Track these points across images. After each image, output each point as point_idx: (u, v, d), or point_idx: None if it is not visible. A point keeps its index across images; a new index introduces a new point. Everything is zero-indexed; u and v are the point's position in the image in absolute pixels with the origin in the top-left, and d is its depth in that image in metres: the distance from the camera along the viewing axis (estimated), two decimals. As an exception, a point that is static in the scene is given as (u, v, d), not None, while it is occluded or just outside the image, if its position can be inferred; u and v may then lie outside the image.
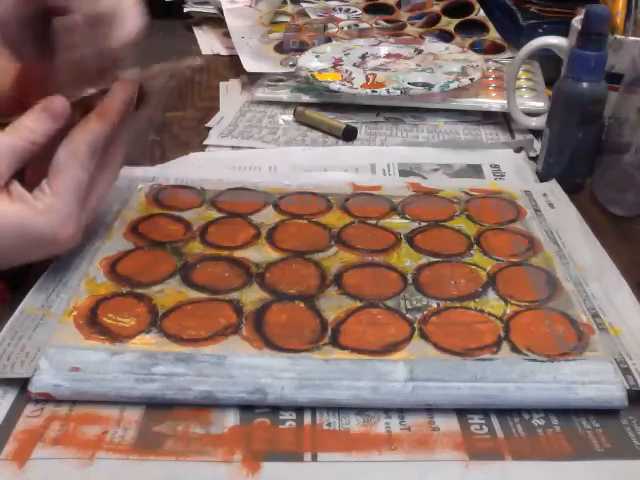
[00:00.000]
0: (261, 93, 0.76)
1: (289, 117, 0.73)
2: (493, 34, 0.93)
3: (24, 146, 0.39)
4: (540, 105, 0.72)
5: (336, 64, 0.78)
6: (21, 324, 0.40)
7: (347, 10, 1.03)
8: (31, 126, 0.39)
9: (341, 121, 0.70)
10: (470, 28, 0.95)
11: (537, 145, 0.65)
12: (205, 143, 0.67)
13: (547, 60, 0.73)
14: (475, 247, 0.49)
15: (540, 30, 0.84)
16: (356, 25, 0.98)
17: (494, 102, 0.73)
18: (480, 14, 0.95)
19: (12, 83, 0.44)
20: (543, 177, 0.60)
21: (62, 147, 0.40)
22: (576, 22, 0.64)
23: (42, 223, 0.39)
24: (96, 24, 0.40)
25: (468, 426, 0.36)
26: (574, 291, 0.45)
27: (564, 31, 0.66)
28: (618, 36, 0.61)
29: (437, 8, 0.97)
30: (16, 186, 0.39)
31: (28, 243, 0.40)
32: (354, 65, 0.79)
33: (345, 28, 0.96)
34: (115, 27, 0.40)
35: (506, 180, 0.61)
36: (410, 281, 0.46)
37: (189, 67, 0.46)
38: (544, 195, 0.57)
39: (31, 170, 0.42)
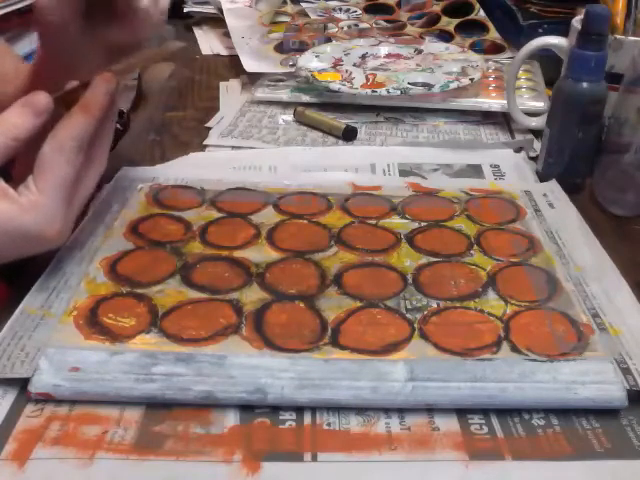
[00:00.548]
0: (261, 93, 0.76)
1: (289, 117, 0.73)
2: (493, 34, 0.93)
3: (6, 142, 0.39)
4: (540, 105, 0.72)
5: (336, 64, 0.78)
6: (21, 324, 0.40)
7: (347, 10, 1.03)
8: (13, 121, 0.39)
9: (341, 121, 0.70)
10: (470, 28, 0.95)
11: (537, 145, 0.65)
12: (205, 143, 0.67)
13: (547, 60, 0.73)
14: (475, 247, 0.49)
15: (540, 30, 0.84)
16: (356, 25, 0.98)
17: (494, 102, 0.73)
18: (480, 14, 0.95)
19: (25, 85, 0.44)
20: (543, 177, 0.60)
21: (47, 143, 0.40)
22: (576, 22, 0.64)
23: (27, 220, 0.39)
24: None
25: (468, 426, 0.36)
26: (574, 291, 0.45)
27: (564, 31, 0.66)
28: (618, 36, 0.61)
29: (437, 8, 0.97)
30: (0, 182, 0.39)
31: (14, 240, 0.39)
32: (354, 65, 0.79)
33: (345, 28, 0.96)
34: None
35: (506, 180, 0.61)
36: (410, 281, 0.46)
37: (168, 52, 0.47)
38: (544, 195, 0.57)
39: (18, 164, 0.42)
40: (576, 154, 0.58)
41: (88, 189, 0.44)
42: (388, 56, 0.83)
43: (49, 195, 0.39)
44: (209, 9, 1.06)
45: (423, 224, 0.52)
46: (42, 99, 0.40)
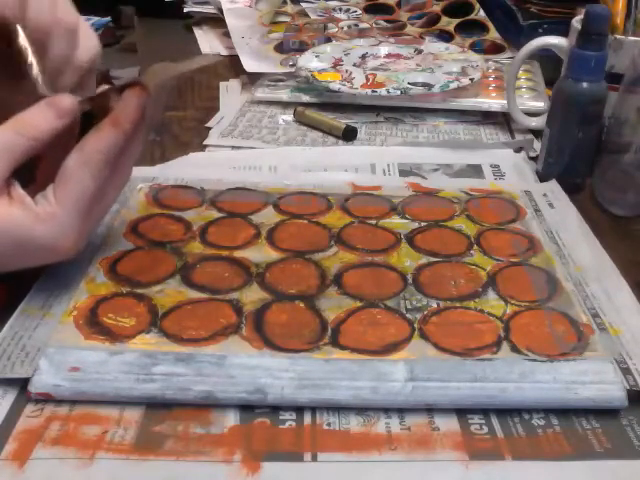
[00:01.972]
0: (261, 93, 0.76)
1: (289, 117, 0.73)
2: (493, 34, 0.93)
3: (24, 143, 0.37)
4: (540, 105, 0.72)
5: (336, 64, 0.78)
6: (21, 324, 0.40)
7: (347, 10, 1.03)
8: (34, 122, 0.37)
9: (341, 121, 0.70)
10: (470, 28, 0.95)
11: (537, 145, 0.65)
12: (205, 143, 0.67)
13: (547, 60, 0.73)
14: (475, 247, 0.49)
15: (540, 30, 0.84)
16: (356, 25, 0.98)
17: (494, 102, 0.73)
18: (480, 14, 0.95)
19: None
20: (543, 177, 0.60)
21: (73, 154, 0.38)
22: (576, 22, 0.64)
23: (40, 230, 0.38)
24: (64, 37, 0.39)
25: (468, 426, 0.36)
26: (574, 291, 0.45)
27: (564, 31, 0.66)
28: (618, 36, 0.61)
29: (437, 8, 0.97)
30: (17, 189, 0.38)
31: (25, 249, 0.38)
32: (354, 65, 0.79)
33: (345, 28, 0.96)
34: (79, 44, 0.40)
35: (506, 180, 0.61)
36: (410, 281, 0.46)
37: (192, 69, 0.45)
38: (544, 195, 0.57)
39: (42, 169, 0.41)
40: (576, 154, 0.58)
41: (109, 202, 0.43)
42: (388, 56, 0.83)
43: (66, 208, 0.38)
44: (209, 9, 1.06)
45: (423, 224, 0.52)
46: (66, 101, 0.38)
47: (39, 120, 0.38)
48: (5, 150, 0.37)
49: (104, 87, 0.42)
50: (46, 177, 0.39)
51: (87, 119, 0.40)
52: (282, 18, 1.00)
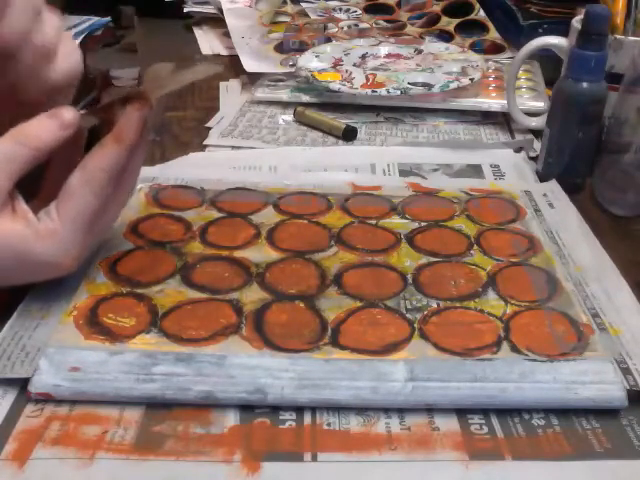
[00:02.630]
0: (261, 93, 0.76)
1: (289, 117, 0.73)
2: (493, 34, 0.93)
3: (25, 153, 0.37)
4: (540, 105, 0.72)
5: (336, 64, 0.78)
6: (21, 324, 0.40)
7: (347, 10, 1.03)
8: (36, 132, 0.37)
9: (341, 121, 0.70)
10: (470, 28, 0.95)
11: (537, 145, 0.65)
12: (205, 143, 0.67)
13: (547, 60, 0.73)
14: (475, 247, 0.49)
15: (540, 30, 0.84)
16: (356, 25, 0.98)
17: (494, 102, 0.73)
18: (480, 14, 0.95)
19: None
20: (543, 177, 0.60)
21: (76, 172, 0.38)
22: (576, 22, 0.64)
23: (41, 247, 0.38)
24: (36, 54, 0.38)
25: (468, 426, 0.36)
26: (574, 291, 0.45)
27: (564, 31, 0.66)
28: (618, 36, 0.61)
29: (437, 8, 0.97)
30: (21, 204, 0.38)
31: (26, 265, 0.38)
32: (354, 65, 0.79)
33: (345, 28, 0.96)
34: (54, 62, 0.39)
35: (506, 180, 0.61)
36: (410, 281, 0.46)
37: (201, 75, 0.44)
38: (544, 195, 0.57)
39: (47, 183, 0.41)
40: (576, 154, 0.58)
41: (112, 217, 0.43)
42: (388, 56, 0.83)
43: (68, 225, 0.38)
44: (209, 9, 1.06)
45: (423, 224, 0.52)
46: (69, 113, 0.38)
47: (41, 130, 0.37)
48: (6, 160, 0.37)
49: (108, 100, 0.42)
50: (50, 191, 0.39)
51: (92, 132, 0.40)
52: (282, 18, 1.00)
